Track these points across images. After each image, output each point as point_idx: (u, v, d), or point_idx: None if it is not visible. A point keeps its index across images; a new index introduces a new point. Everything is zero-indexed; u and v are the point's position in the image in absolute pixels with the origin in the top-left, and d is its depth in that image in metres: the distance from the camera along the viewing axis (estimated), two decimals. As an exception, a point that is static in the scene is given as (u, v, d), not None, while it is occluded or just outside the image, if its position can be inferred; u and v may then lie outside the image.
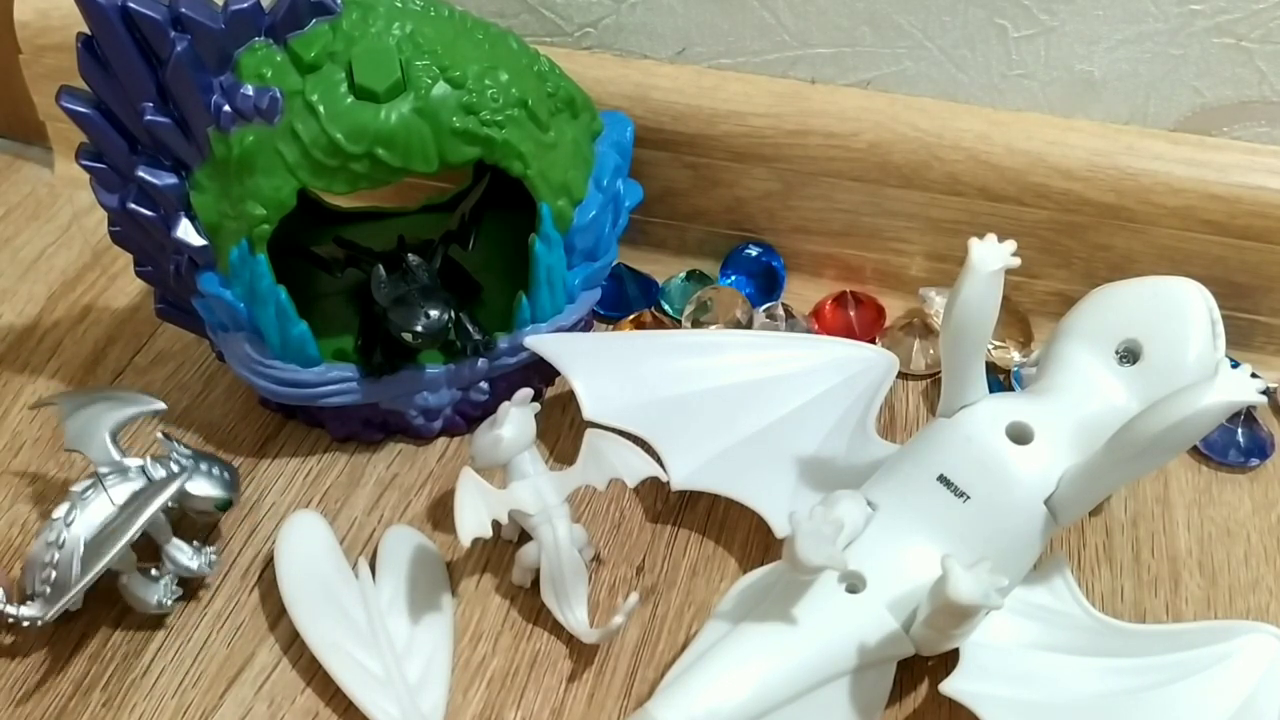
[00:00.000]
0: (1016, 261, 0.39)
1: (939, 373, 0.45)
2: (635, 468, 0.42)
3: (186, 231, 0.43)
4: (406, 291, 0.45)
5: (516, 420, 0.43)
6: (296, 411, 0.50)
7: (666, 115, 0.53)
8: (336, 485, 0.48)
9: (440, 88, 0.41)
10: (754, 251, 0.57)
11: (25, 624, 0.40)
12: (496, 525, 0.41)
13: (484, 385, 0.49)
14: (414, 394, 0.48)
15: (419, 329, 0.44)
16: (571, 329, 0.49)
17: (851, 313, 0.55)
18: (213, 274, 0.44)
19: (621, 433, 0.44)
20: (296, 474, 0.49)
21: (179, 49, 0.39)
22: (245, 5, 0.40)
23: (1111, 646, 0.39)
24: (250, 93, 0.40)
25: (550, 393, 0.52)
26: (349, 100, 0.40)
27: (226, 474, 0.43)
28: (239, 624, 0.43)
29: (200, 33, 0.40)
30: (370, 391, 0.47)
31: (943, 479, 0.40)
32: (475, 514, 0.41)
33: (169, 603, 0.42)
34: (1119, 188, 0.50)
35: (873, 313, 0.55)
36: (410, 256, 0.46)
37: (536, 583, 0.43)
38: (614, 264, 0.51)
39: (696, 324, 0.54)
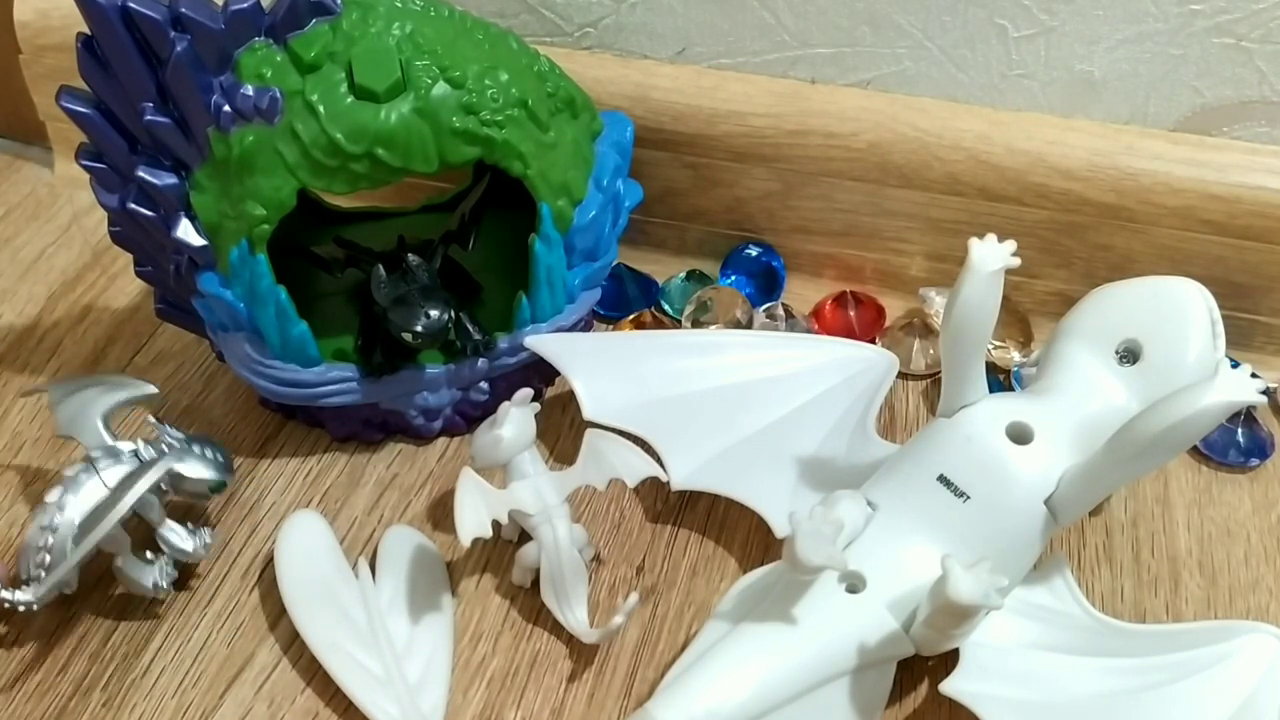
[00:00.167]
0: (1016, 261, 0.39)
1: (939, 373, 0.45)
2: (635, 468, 0.42)
3: (186, 231, 0.43)
4: (406, 291, 0.45)
5: (516, 420, 0.43)
6: (296, 411, 0.50)
7: (666, 115, 0.53)
8: (336, 485, 0.48)
9: (440, 88, 0.41)
10: (754, 251, 0.57)
11: (20, 608, 0.40)
12: (496, 525, 0.41)
13: (484, 385, 0.49)
14: (414, 394, 0.48)
15: (419, 329, 0.44)
16: (571, 329, 0.49)
17: (851, 313, 0.55)
18: (213, 274, 0.44)
19: (621, 433, 0.44)
20: (296, 474, 0.49)
21: (179, 49, 0.39)
22: (245, 5, 0.40)
23: (1111, 646, 0.39)
24: (250, 93, 0.40)
25: (550, 393, 0.52)
26: (349, 100, 0.40)
27: (219, 456, 0.43)
28: (239, 624, 0.43)
29: (200, 33, 0.40)
30: (370, 391, 0.47)
31: (943, 479, 0.40)
32: (475, 514, 0.41)
33: (165, 585, 0.42)
34: (1119, 188, 0.50)
35: (873, 313, 0.55)
36: (410, 256, 0.46)
37: (536, 583, 0.43)
38: (614, 264, 0.51)
39: (696, 324, 0.54)
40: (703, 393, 0.47)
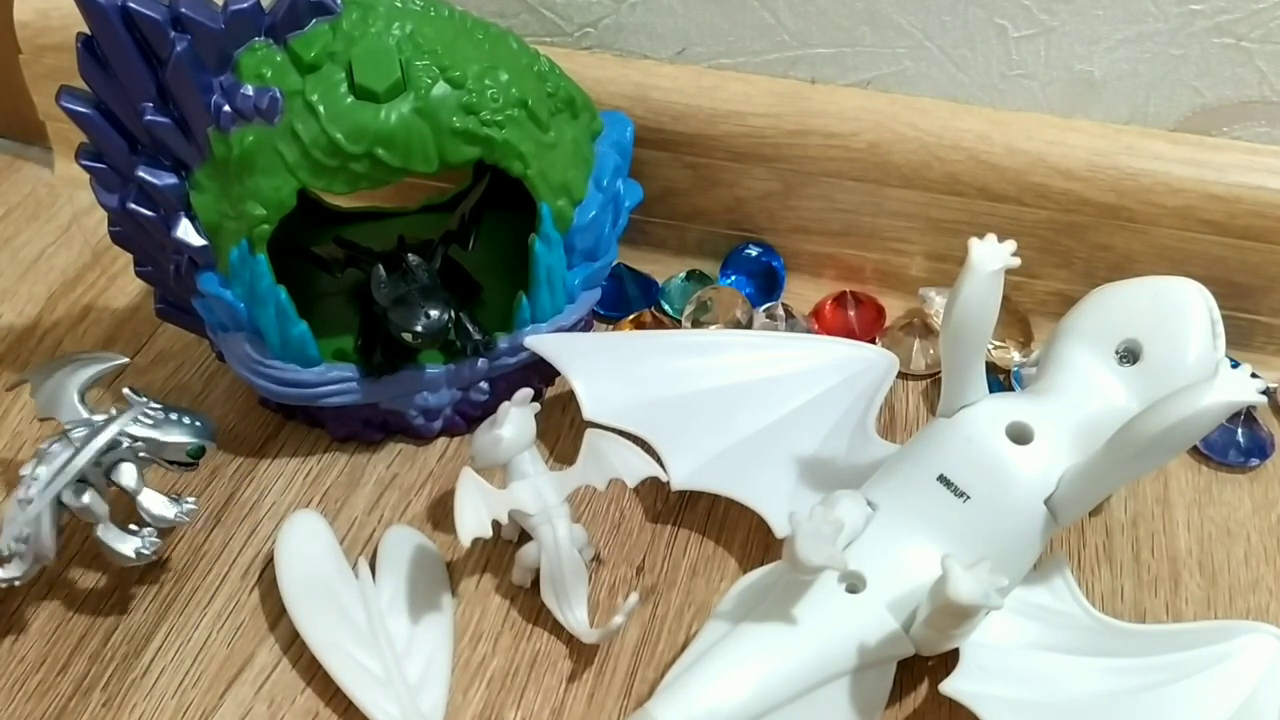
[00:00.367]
0: (1016, 261, 0.39)
1: (939, 373, 0.45)
2: (635, 468, 0.42)
3: (186, 231, 0.43)
4: (406, 291, 0.45)
5: (516, 420, 0.43)
6: (296, 411, 0.50)
7: (666, 115, 0.53)
8: (336, 485, 0.48)
9: (440, 88, 0.41)
10: (754, 251, 0.57)
11: (3, 584, 0.40)
12: (496, 525, 0.41)
13: (484, 385, 0.49)
14: (414, 394, 0.48)
15: (419, 329, 0.44)
16: (571, 329, 0.49)
17: (851, 313, 0.55)
18: (213, 274, 0.44)
19: (621, 433, 0.44)
20: (296, 474, 0.49)
21: (179, 49, 0.39)
22: (245, 5, 0.40)
23: (1111, 646, 0.39)
24: (250, 93, 0.40)
25: (550, 393, 0.52)
26: (349, 100, 0.40)
27: (199, 422, 0.42)
28: (239, 624, 0.43)
29: (200, 33, 0.40)
30: (370, 391, 0.47)
31: (943, 479, 0.40)
32: (475, 514, 0.41)
33: (149, 553, 0.41)
34: (1119, 188, 0.50)
35: (873, 313, 0.55)
36: (410, 256, 0.46)
37: (536, 583, 0.43)
38: (614, 264, 0.51)
39: (696, 324, 0.54)
40: (703, 393, 0.47)
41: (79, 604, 0.44)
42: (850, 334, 0.54)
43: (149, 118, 0.41)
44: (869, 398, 0.47)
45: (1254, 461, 0.49)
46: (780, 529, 0.43)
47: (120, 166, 0.43)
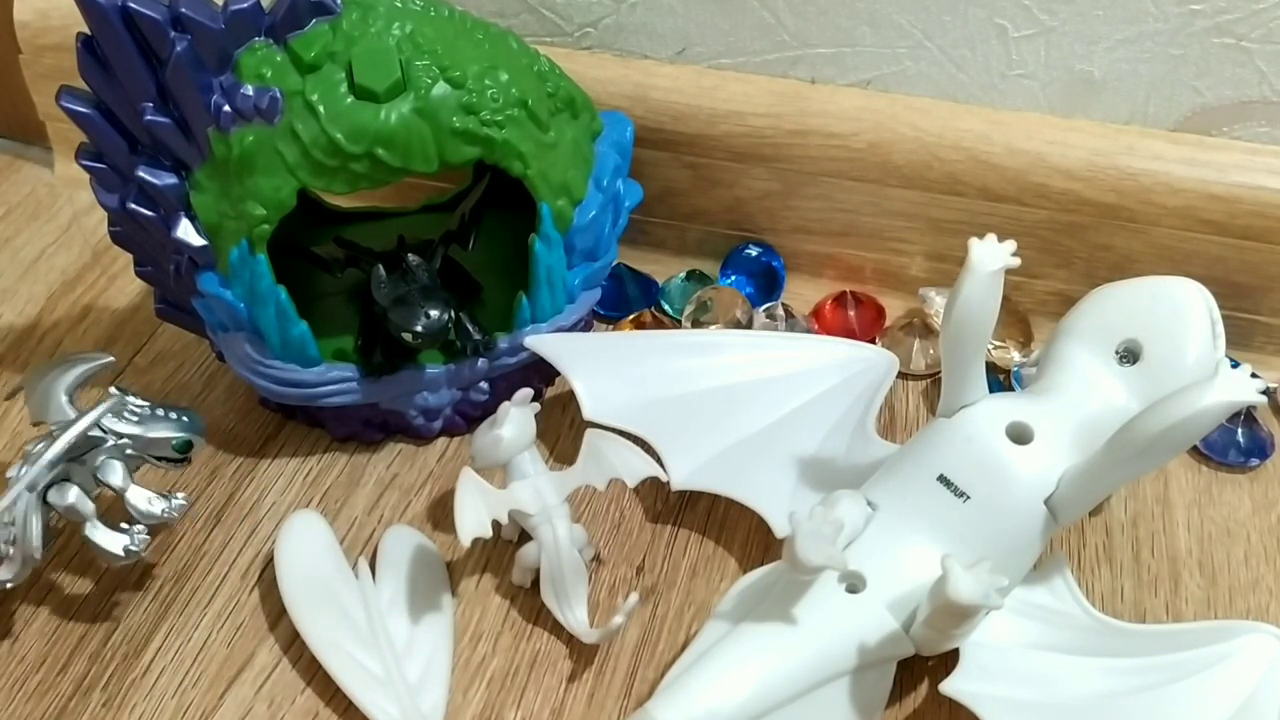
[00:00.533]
0: (1016, 261, 0.39)
1: (939, 373, 0.45)
2: (635, 468, 0.42)
3: (186, 231, 0.43)
4: (406, 291, 0.45)
5: (516, 420, 0.43)
6: (296, 411, 0.50)
7: (666, 115, 0.53)
8: (336, 485, 0.48)
9: (440, 88, 0.41)
10: (754, 251, 0.57)
11: None
12: (496, 525, 0.41)
13: (484, 385, 0.49)
14: (414, 394, 0.48)
15: (419, 329, 0.44)
16: (571, 329, 0.49)
17: (851, 313, 0.55)
18: (213, 274, 0.44)
19: (621, 433, 0.44)
20: (296, 474, 0.49)
21: (179, 49, 0.39)
22: (245, 5, 0.40)
23: (1111, 646, 0.39)
24: (250, 93, 0.40)
25: (550, 393, 0.52)
26: (349, 100, 0.40)
27: (186, 417, 0.42)
28: (239, 624, 0.43)
29: (200, 33, 0.40)
30: (370, 391, 0.47)
31: (943, 479, 0.40)
32: (475, 514, 0.41)
33: (138, 549, 0.41)
34: (1119, 188, 0.50)
35: (873, 313, 0.55)
36: (410, 256, 0.46)
37: (536, 583, 0.43)
38: (614, 264, 0.51)
39: (696, 324, 0.54)
40: (703, 393, 0.47)
41: (79, 604, 0.44)
42: (850, 334, 0.54)
43: (149, 118, 0.41)
44: (869, 398, 0.47)
45: (1254, 461, 0.49)
46: (780, 529, 0.43)
47: (120, 166, 0.43)
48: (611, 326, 0.55)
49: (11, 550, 0.40)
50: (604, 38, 0.55)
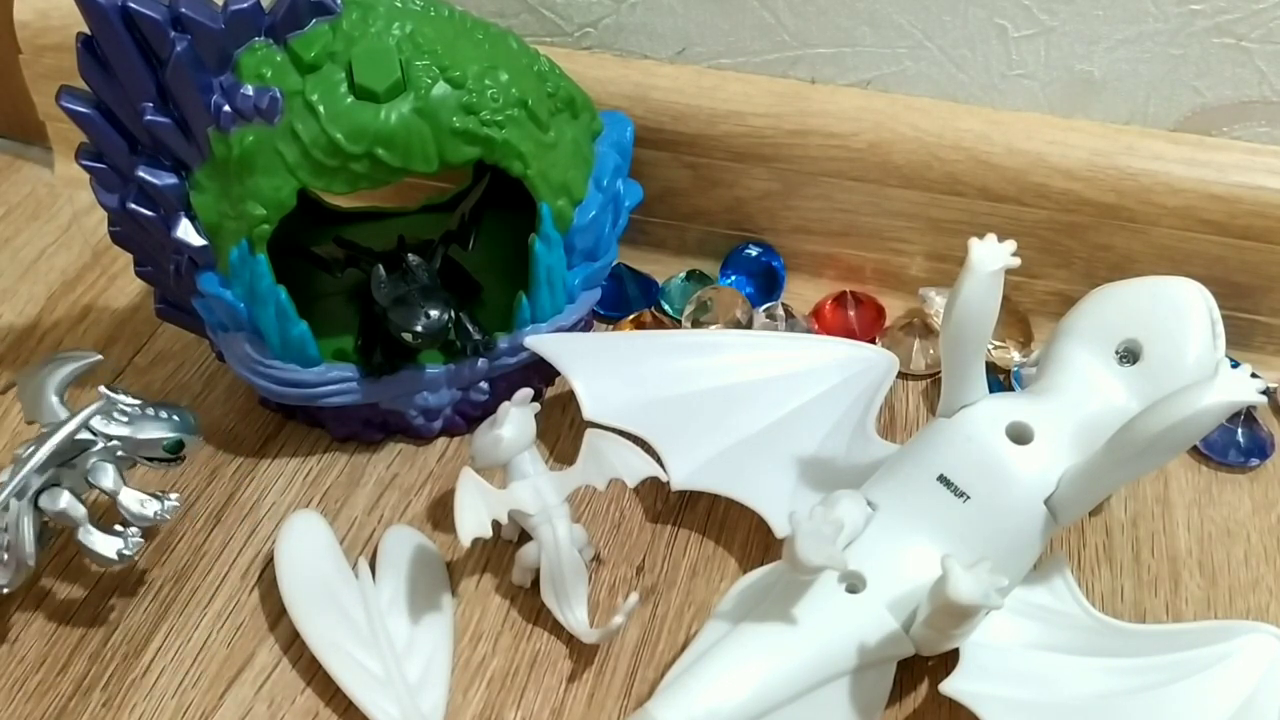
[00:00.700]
0: (1016, 261, 0.39)
1: (939, 373, 0.45)
2: (635, 468, 0.42)
3: (186, 231, 0.43)
4: (406, 291, 0.45)
5: (516, 420, 0.43)
6: (296, 411, 0.50)
7: (666, 115, 0.53)
8: (336, 485, 0.48)
9: (440, 88, 0.41)
10: (754, 251, 0.57)
11: None
12: (496, 525, 0.41)
13: (484, 385, 0.49)
14: (414, 394, 0.48)
15: (419, 329, 0.44)
16: (571, 329, 0.49)
17: (851, 313, 0.55)
18: (213, 274, 0.44)
19: (621, 433, 0.44)
20: (296, 474, 0.49)
21: (179, 49, 0.39)
22: (245, 5, 0.40)
23: (1111, 646, 0.39)
24: (250, 93, 0.40)
25: (550, 393, 0.52)
26: (349, 100, 0.40)
27: (176, 416, 0.42)
28: (239, 624, 0.43)
29: (200, 33, 0.40)
30: (370, 391, 0.47)
31: (943, 479, 0.40)
32: (475, 514, 0.41)
33: (131, 553, 0.40)
34: (1119, 188, 0.50)
35: (873, 313, 0.55)
36: (410, 256, 0.46)
37: (536, 583, 0.43)
38: (614, 264, 0.51)
39: (696, 324, 0.54)
40: (703, 393, 0.47)
41: (79, 604, 0.44)
42: (850, 334, 0.54)
43: (149, 118, 0.41)
44: (869, 398, 0.47)
45: (1254, 461, 0.49)
46: (780, 529, 0.43)
47: (120, 166, 0.43)
48: (611, 326, 0.55)
49: (5, 556, 0.40)
50: (604, 38, 0.55)
